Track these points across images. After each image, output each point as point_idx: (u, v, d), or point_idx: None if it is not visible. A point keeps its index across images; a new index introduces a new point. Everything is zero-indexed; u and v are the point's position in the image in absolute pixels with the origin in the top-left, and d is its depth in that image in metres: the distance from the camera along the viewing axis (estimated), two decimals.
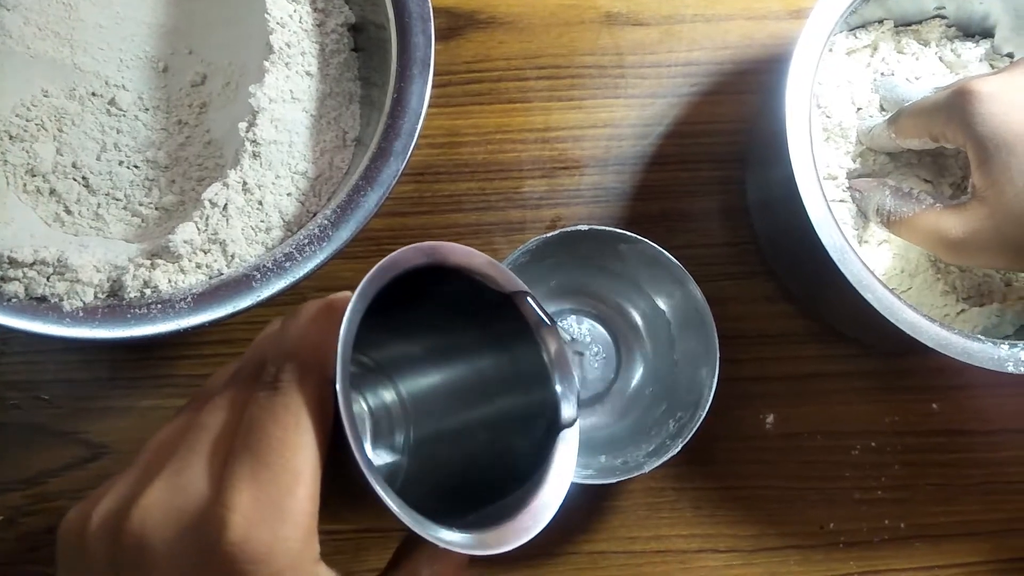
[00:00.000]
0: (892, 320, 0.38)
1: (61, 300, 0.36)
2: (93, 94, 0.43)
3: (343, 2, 0.44)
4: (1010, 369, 0.39)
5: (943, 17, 0.47)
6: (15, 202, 0.41)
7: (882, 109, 0.45)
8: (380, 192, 0.39)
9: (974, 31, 0.47)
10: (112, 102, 0.44)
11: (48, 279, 0.36)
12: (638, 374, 0.47)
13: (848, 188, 0.44)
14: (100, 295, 0.37)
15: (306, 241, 0.38)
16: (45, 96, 0.43)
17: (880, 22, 0.47)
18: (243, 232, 0.39)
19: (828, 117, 0.45)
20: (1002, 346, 0.39)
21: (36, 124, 0.42)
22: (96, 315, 0.36)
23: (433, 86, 0.40)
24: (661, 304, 0.46)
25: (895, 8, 0.46)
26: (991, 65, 0.47)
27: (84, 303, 0.36)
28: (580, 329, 0.47)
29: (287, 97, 0.41)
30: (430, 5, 0.40)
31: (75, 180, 0.42)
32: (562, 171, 0.48)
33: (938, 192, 0.44)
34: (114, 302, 0.37)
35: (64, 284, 0.36)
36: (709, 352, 0.42)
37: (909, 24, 0.47)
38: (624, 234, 0.43)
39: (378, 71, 0.43)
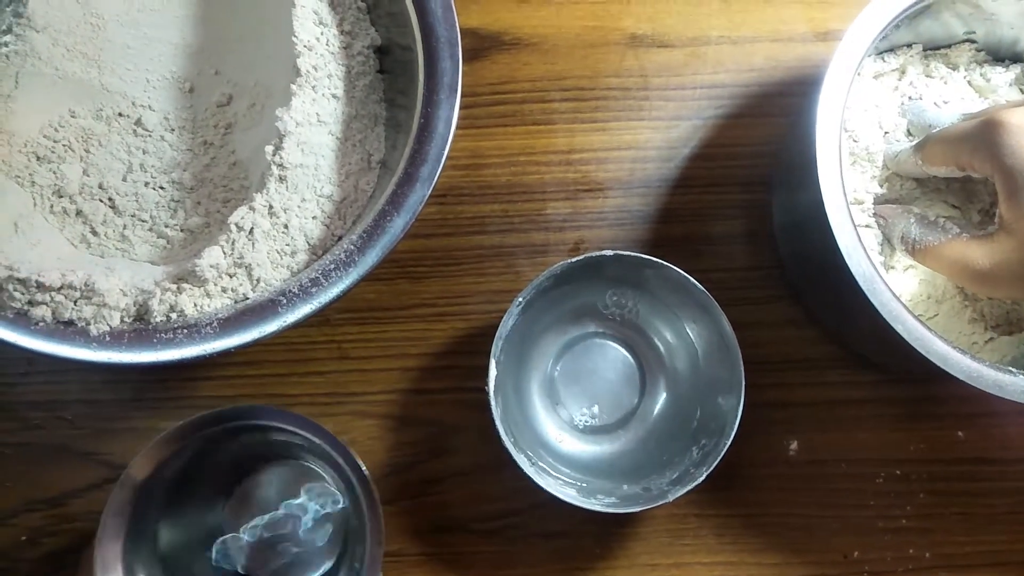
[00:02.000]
0: (923, 352, 0.37)
1: (88, 324, 0.36)
2: (120, 114, 0.44)
3: (369, 24, 0.44)
4: None
5: (972, 42, 0.46)
6: (42, 223, 0.41)
7: (909, 134, 0.45)
8: (407, 218, 0.39)
9: (1004, 55, 0.47)
10: (138, 123, 0.44)
11: (75, 303, 0.36)
12: (661, 399, 0.46)
13: (874, 214, 0.43)
14: (127, 319, 0.37)
15: (332, 266, 0.38)
16: (72, 117, 0.43)
17: (908, 46, 0.46)
18: (269, 256, 0.39)
19: (855, 141, 0.44)
20: None
21: (63, 145, 0.42)
22: (123, 339, 0.36)
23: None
24: (686, 329, 0.45)
25: (924, 32, 0.46)
26: (1021, 90, 0.46)
27: (111, 327, 0.36)
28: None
29: (313, 120, 0.41)
30: (458, 30, 0.40)
31: (101, 201, 0.42)
32: (586, 193, 0.47)
33: (966, 219, 0.44)
34: (140, 326, 0.37)
35: (91, 308, 0.36)
36: (734, 379, 0.41)
37: (938, 48, 0.47)
38: (649, 259, 0.42)
39: (404, 93, 0.43)
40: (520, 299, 0.41)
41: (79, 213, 0.42)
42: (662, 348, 0.47)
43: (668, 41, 0.49)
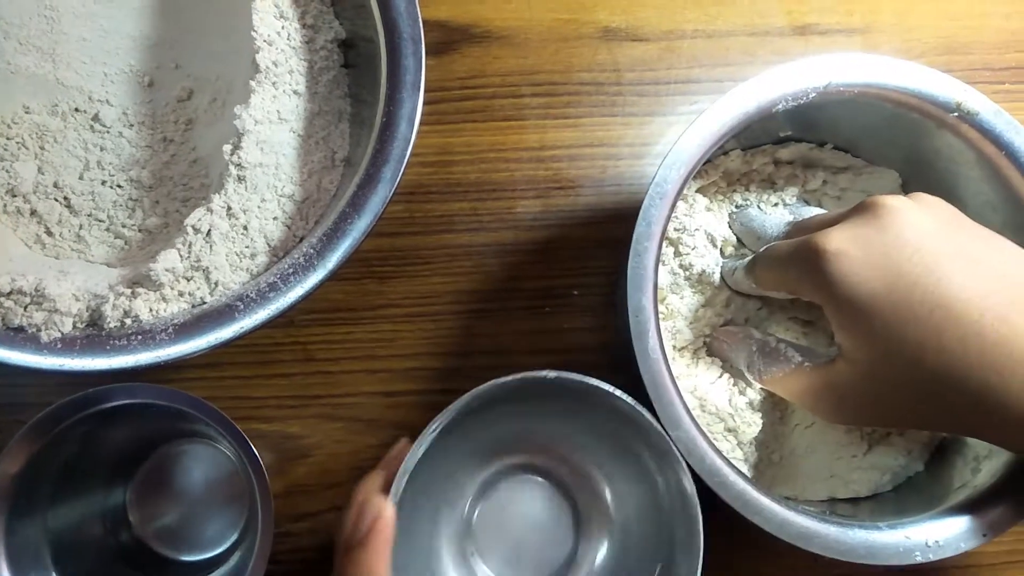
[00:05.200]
0: (781, 536, 0.35)
1: (39, 330, 0.35)
2: (76, 110, 0.42)
3: (333, 17, 0.43)
4: (918, 559, 0.35)
5: (794, 139, 0.43)
6: None
7: (742, 244, 0.42)
8: (368, 220, 0.38)
9: (824, 138, 0.44)
10: (96, 118, 0.42)
11: (25, 309, 0.35)
12: (601, 555, 0.40)
13: (713, 338, 0.41)
14: (79, 325, 0.36)
15: (291, 270, 0.37)
16: (27, 112, 0.42)
17: (726, 153, 0.43)
18: (227, 258, 0.38)
19: (686, 268, 0.41)
20: (900, 531, 0.36)
21: (17, 142, 0.41)
22: (75, 346, 0.35)
23: (425, 103, 0.39)
24: (635, 474, 0.39)
25: (743, 139, 0.43)
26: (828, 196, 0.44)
27: (63, 333, 0.36)
28: None
29: (274, 118, 0.40)
30: (421, 27, 0.39)
31: (57, 200, 0.41)
32: (557, 191, 0.47)
33: (818, 335, 0.41)
34: (93, 332, 0.36)
35: (42, 314, 0.35)
36: (692, 546, 0.35)
37: (759, 145, 0.43)
38: (598, 387, 0.35)
39: (369, 88, 0.41)
40: (435, 424, 0.34)
41: (33, 213, 0.41)
42: (608, 494, 0.41)
43: (642, 35, 0.48)
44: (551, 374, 0.35)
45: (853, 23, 0.49)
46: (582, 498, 0.41)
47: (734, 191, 0.43)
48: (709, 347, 0.41)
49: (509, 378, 0.34)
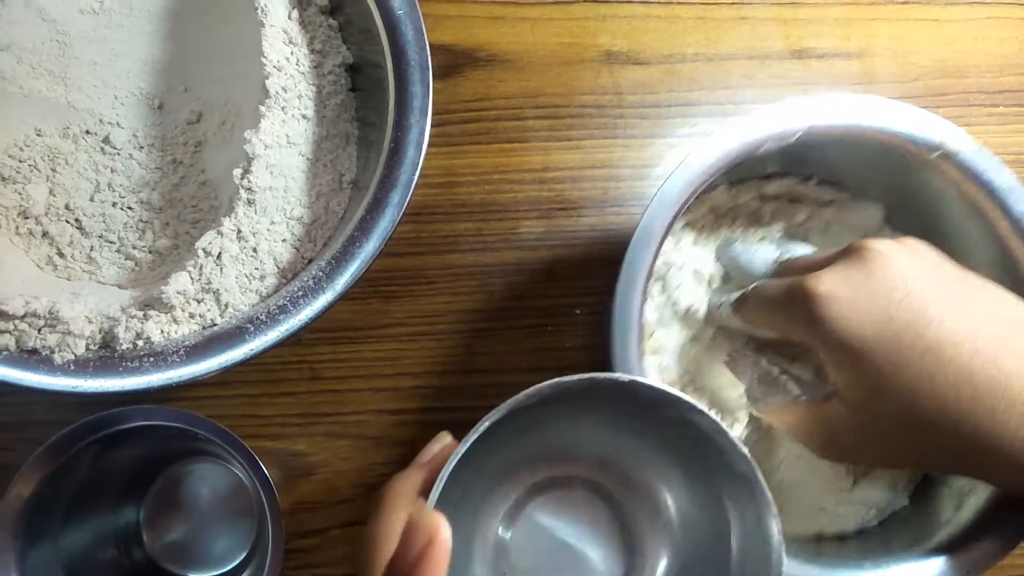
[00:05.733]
0: None
1: (52, 352, 0.36)
2: (87, 132, 0.43)
3: (341, 42, 0.44)
4: None
5: (780, 174, 0.44)
6: (7, 245, 0.40)
7: (728, 279, 0.43)
8: (376, 243, 0.38)
9: (810, 172, 0.44)
10: (106, 140, 0.43)
11: (39, 331, 0.36)
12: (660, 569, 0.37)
13: (730, 357, 0.41)
14: (92, 346, 0.37)
15: (300, 293, 0.38)
16: (38, 135, 0.42)
17: (713, 188, 0.43)
18: (237, 281, 0.39)
19: (673, 304, 0.42)
20: (884, 570, 0.36)
21: (29, 165, 0.42)
22: (88, 367, 0.36)
23: (431, 125, 0.40)
24: (703, 499, 0.35)
25: (730, 175, 0.42)
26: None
27: (76, 355, 0.36)
28: None
29: (283, 142, 0.40)
30: (428, 54, 0.40)
31: (68, 222, 0.42)
32: (559, 212, 0.47)
33: (808, 371, 0.40)
34: (106, 354, 0.36)
35: (55, 336, 0.36)
36: None
37: (743, 180, 0.44)
38: (678, 398, 0.31)
39: (376, 111, 0.42)
40: (487, 420, 0.30)
41: (45, 234, 0.41)
42: (668, 513, 0.36)
43: (643, 58, 0.49)
44: (624, 377, 0.31)
45: (850, 47, 0.50)
46: (634, 517, 0.38)
47: (721, 226, 0.44)
48: (728, 365, 0.42)
49: (575, 377, 0.31)
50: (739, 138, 0.38)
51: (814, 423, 0.36)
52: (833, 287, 0.33)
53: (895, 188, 0.43)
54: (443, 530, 0.26)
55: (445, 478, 0.28)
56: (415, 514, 0.27)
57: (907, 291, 0.33)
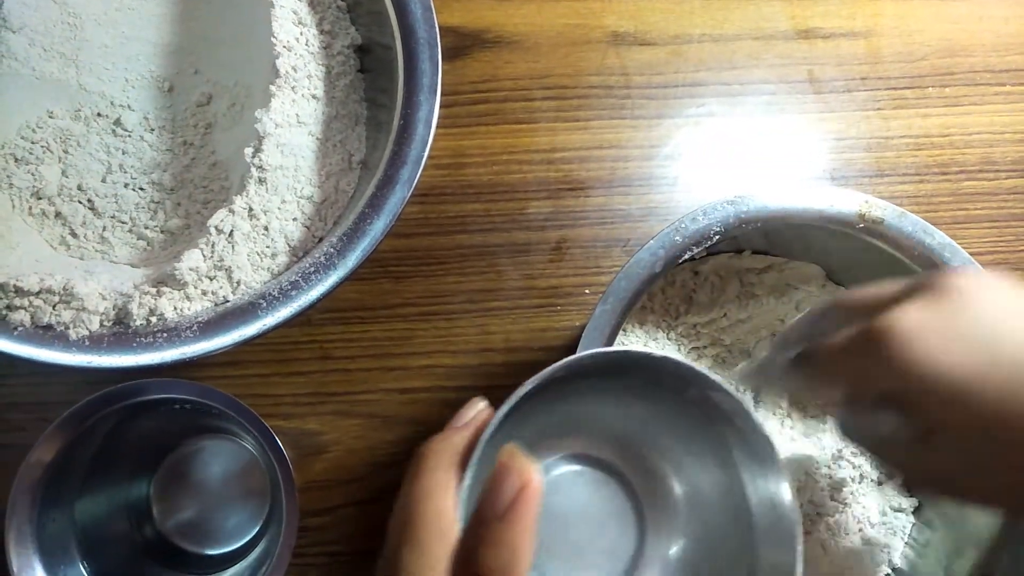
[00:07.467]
0: None
1: (67, 328, 0.36)
2: (98, 114, 0.43)
3: (350, 23, 0.44)
4: None
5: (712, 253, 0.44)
6: (21, 226, 0.41)
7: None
8: (386, 220, 0.39)
9: (742, 247, 0.45)
10: (117, 122, 0.43)
11: (54, 308, 0.36)
12: (673, 554, 0.37)
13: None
14: (106, 323, 0.37)
15: (312, 269, 0.38)
16: (51, 117, 0.43)
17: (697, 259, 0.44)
18: (249, 258, 0.39)
19: None
20: None
21: (41, 146, 0.42)
22: (102, 343, 0.36)
23: (439, 106, 0.40)
24: (719, 475, 0.35)
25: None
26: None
27: (90, 331, 0.36)
28: None
29: (293, 121, 0.41)
30: (437, 31, 0.40)
31: (80, 203, 0.42)
32: (567, 192, 0.48)
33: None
34: (120, 330, 0.37)
35: (70, 312, 0.36)
36: (783, 566, 0.31)
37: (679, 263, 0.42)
38: (705, 375, 0.31)
39: (384, 92, 0.43)
40: (526, 387, 0.29)
41: (58, 215, 0.42)
42: (679, 489, 0.37)
43: (650, 39, 0.49)
44: (657, 353, 0.31)
45: (856, 27, 0.50)
46: (647, 498, 0.38)
47: (667, 311, 0.44)
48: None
49: (610, 349, 0.31)
50: (660, 255, 0.38)
51: (913, 461, 0.33)
52: (914, 324, 0.30)
53: (829, 252, 0.43)
54: (537, 475, 0.25)
55: (485, 440, 0.28)
56: (506, 459, 0.25)
57: (1014, 327, 0.30)
